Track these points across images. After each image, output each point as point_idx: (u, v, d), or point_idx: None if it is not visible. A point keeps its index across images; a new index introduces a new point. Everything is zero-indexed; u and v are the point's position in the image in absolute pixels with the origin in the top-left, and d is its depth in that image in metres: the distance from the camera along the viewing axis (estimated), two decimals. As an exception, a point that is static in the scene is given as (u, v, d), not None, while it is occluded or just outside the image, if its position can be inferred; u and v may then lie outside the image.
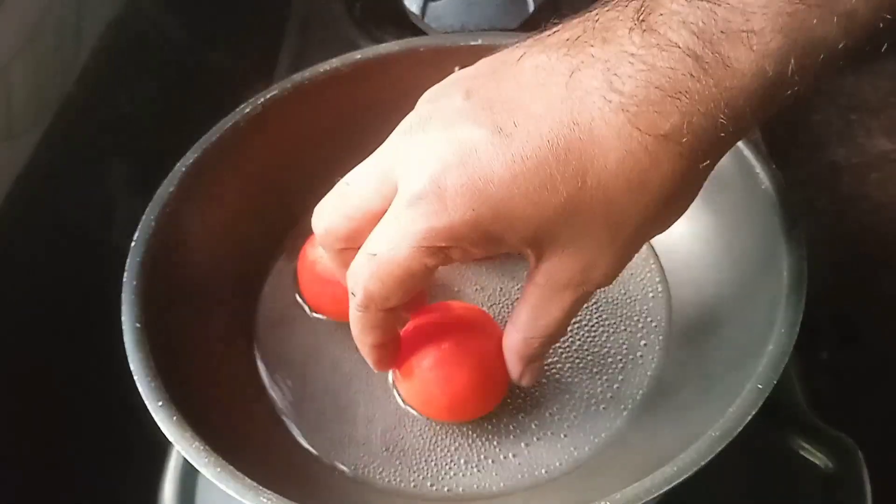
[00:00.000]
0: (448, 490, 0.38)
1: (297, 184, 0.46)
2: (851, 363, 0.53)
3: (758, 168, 0.40)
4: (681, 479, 0.31)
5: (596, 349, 0.42)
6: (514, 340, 0.36)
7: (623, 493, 0.31)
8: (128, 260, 0.39)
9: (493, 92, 0.31)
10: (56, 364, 0.48)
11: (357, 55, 0.47)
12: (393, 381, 0.41)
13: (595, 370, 0.41)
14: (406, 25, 0.60)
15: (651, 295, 0.44)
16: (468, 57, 0.34)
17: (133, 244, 0.39)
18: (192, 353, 0.39)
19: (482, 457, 0.39)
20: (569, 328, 0.40)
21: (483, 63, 0.33)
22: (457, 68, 0.34)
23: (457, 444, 0.39)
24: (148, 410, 0.34)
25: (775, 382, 0.33)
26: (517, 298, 0.44)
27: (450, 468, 0.39)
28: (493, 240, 0.31)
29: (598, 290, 0.38)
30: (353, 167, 0.34)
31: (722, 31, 0.28)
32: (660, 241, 0.45)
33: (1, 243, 0.47)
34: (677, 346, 0.42)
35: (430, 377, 0.38)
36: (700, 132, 0.29)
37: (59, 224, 0.51)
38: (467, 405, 0.39)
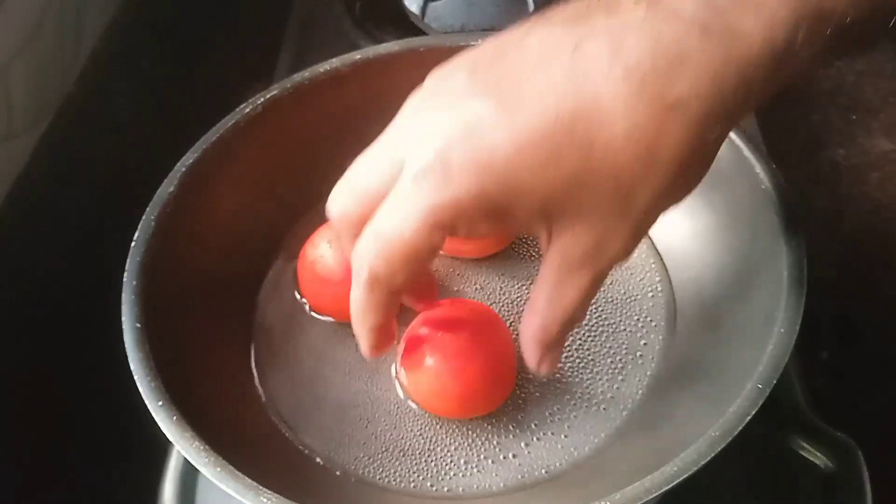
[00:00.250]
0: (448, 490, 0.38)
1: (297, 184, 0.46)
2: (851, 363, 0.53)
3: (758, 168, 0.40)
4: (681, 479, 0.31)
5: (596, 349, 0.42)
6: (533, 326, 0.34)
7: (623, 493, 0.31)
8: (128, 260, 0.39)
9: (498, 68, 0.31)
10: (56, 364, 0.48)
11: (357, 55, 0.47)
12: (396, 374, 0.41)
13: (595, 370, 0.41)
14: (406, 25, 0.61)
15: (651, 295, 0.44)
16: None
17: (133, 244, 0.39)
18: (192, 353, 0.39)
19: (482, 457, 0.39)
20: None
21: (489, 42, 0.33)
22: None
23: (457, 443, 0.39)
24: (148, 410, 0.34)
25: (775, 382, 0.33)
26: (517, 298, 0.44)
27: (450, 468, 0.39)
28: (500, 214, 0.30)
29: (598, 291, 0.37)
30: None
31: (730, 0, 0.28)
32: (660, 240, 0.45)
33: (1, 243, 0.47)
34: (677, 346, 0.42)
35: (443, 368, 0.38)
36: (707, 102, 0.29)
37: (59, 224, 0.51)
38: (477, 399, 0.39)
